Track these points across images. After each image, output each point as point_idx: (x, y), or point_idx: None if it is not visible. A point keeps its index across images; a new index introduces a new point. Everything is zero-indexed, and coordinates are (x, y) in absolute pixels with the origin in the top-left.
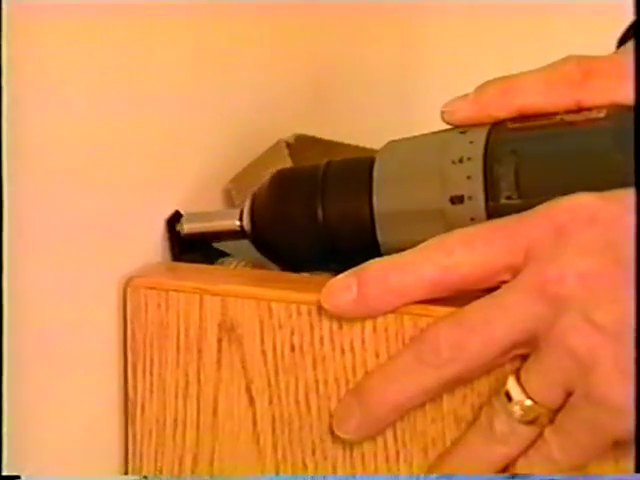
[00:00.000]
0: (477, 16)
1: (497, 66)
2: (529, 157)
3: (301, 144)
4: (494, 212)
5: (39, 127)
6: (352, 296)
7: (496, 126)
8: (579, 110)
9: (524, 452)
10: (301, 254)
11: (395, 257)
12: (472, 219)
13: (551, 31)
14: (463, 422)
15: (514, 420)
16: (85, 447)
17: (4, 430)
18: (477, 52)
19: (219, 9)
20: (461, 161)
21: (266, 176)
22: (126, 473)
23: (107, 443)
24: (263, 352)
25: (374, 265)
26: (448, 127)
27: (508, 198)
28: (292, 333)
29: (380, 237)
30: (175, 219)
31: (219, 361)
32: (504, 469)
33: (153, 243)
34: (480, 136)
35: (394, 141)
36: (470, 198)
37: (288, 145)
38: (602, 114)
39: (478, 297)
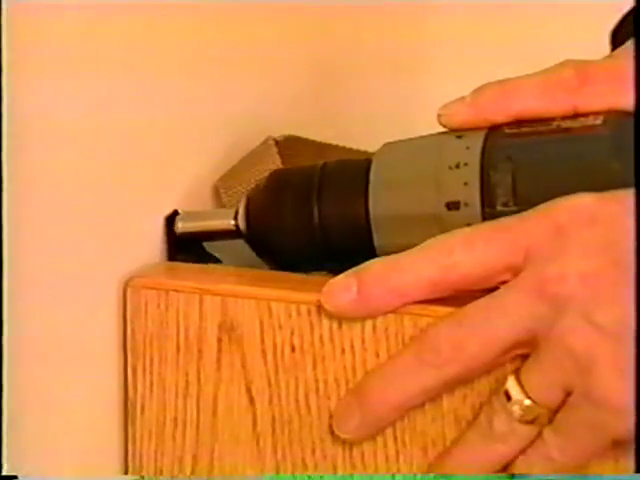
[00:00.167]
0: (477, 16)
1: (497, 66)
2: (526, 164)
3: (291, 144)
4: (490, 219)
5: (39, 127)
6: (352, 296)
7: (493, 131)
8: (576, 116)
9: (523, 452)
10: (296, 255)
11: (395, 257)
12: (468, 225)
13: (551, 31)
14: (463, 422)
15: (513, 420)
16: (85, 447)
17: (3, 430)
18: (477, 53)
19: (217, 11)
20: (457, 167)
21: (255, 174)
22: (126, 473)
23: (107, 443)
24: (263, 352)
25: (374, 265)
26: (445, 129)
27: (504, 205)
28: (292, 333)
29: (376, 240)
30: (174, 218)
31: (219, 361)
32: (503, 469)
33: (153, 243)
34: (477, 142)
35: (391, 143)
36: (466, 204)
37: (277, 143)
38: (599, 121)
39: (478, 297)
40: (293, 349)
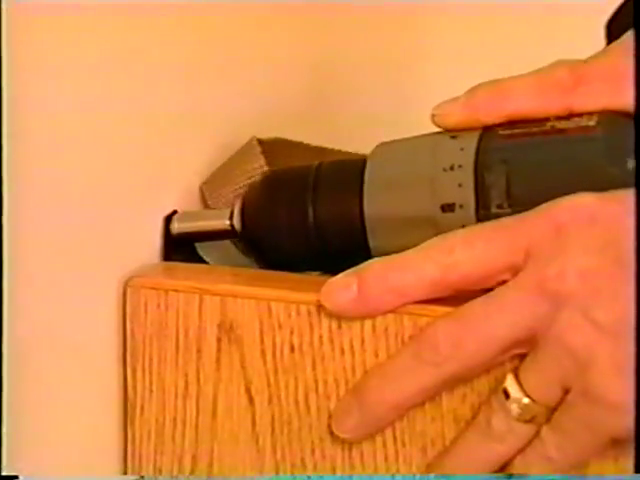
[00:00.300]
0: (475, 16)
1: (495, 65)
2: (520, 166)
3: (279, 147)
4: (485, 220)
5: (39, 128)
6: (352, 295)
7: (487, 132)
8: (570, 116)
9: (521, 451)
10: (291, 255)
11: (395, 256)
12: (463, 227)
13: (550, 31)
14: (462, 422)
15: (512, 418)
16: (84, 447)
17: (3, 430)
18: (475, 52)
19: (216, 11)
20: (452, 169)
21: (238, 175)
22: (125, 473)
23: (106, 443)
24: (262, 352)
25: (374, 264)
26: (439, 129)
27: (499, 207)
28: (291, 333)
29: (371, 241)
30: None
31: (218, 361)
32: (501, 468)
33: (153, 243)
34: (471, 143)
35: (386, 143)
36: (461, 206)
37: (261, 142)
38: (592, 122)
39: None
40: (292, 349)
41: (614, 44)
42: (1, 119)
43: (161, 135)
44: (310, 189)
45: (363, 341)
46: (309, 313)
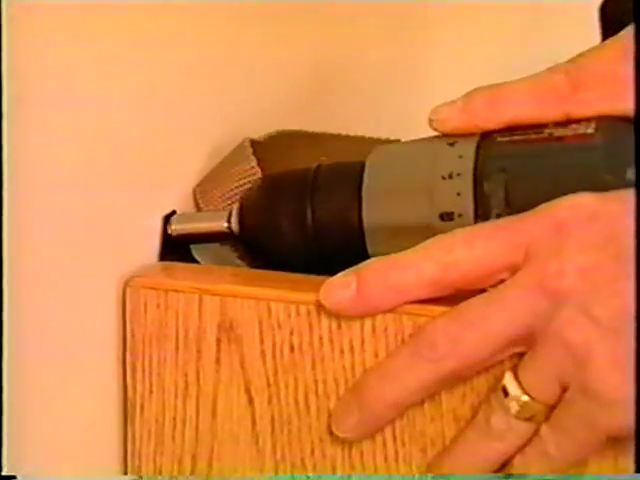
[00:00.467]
0: (477, 13)
1: (495, 64)
2: (519, 175)
3: (274, 142)
4: None
5: (39, 128)
6: (351, 293)
7: (485, 139)
8: (568, 122)
9: (521, 450)
10: (289, 258)
11: (395, 255)
12: None
13: (549, 31)
14: (462, 421)
15: (511, 416)
16: (84, 447)
17: (4, 430)
18: (476, 51)
19: (216, 9)
20: (451, 177)
21: (229, 176)
22: (125, 473)
23: (106, 443)
24: (262, 352)
25: (373, 263)
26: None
27: (498, 216)
28: (291, 333)
29: (370, 249)
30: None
31: (218, 361)
32: (501, 467)
33: (152, 243)
34: (469, 150)
35: (383, 149)
36: (460, 215)
37: (253, 143)
38: (591, 129)
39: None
40: (292, 349)
41: (610, 41)
42: (1, 119)
43: (160, 135)
44: (308, 193)
45: (363, 341)
46: (309, 313)
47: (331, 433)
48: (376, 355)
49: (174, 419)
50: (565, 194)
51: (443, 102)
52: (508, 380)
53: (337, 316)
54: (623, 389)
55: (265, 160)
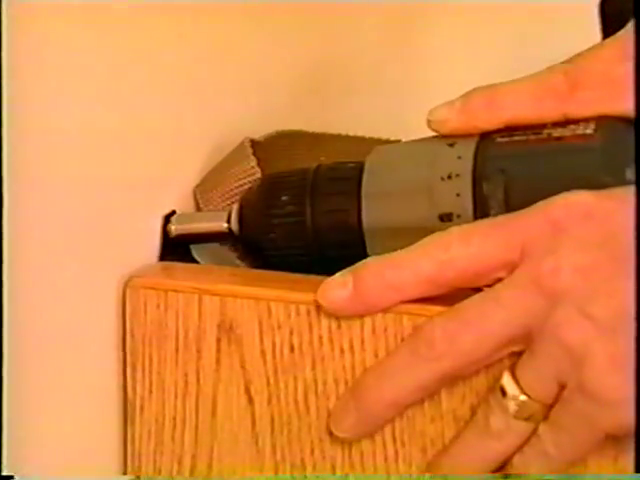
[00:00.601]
0: (476, 13)
1: (494, 65)
2: (518, 176)
3: (274, 142)
4: None
5: (39, 128)
6: (348, 292)
7: (484, 140)
8: (567, 122)
9: (519, 450)
10: (288, 258)
11: (392, 254)
12: None
13: (547, 30)
14: (462, 422)
15: (509, 416)
16: (84, 447)
17: (3, 430)
18: (476, 49)
19: (216, 9)
20: (450, 177)
21: (229, 176)
22: (125, 473)
23: (106, 443)
24: (262, 352)
25: (370, 262)
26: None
27: (497, 216)
28: (291, 333)
29: (369, 250)
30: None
31: (218, 361)
32: (500, 467)
33: (152, 243)
34: (468, 151)
35: (382, 149)
36: (459, 216)
37: (253, 144)
38: (590, 130)
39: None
40: (292, 349)
41: (609, 41)
42: (1, 119)
43: (160, 135)
44: (308, 194)
45: (363, 341)
46: (308, 313)
47: (331, 433)
48: (376, 355)
49: (174, 419)
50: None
51: (441, 103)
52: (506, 380)
53: (336, 316)
54: (621, 388)
55: (265, 160)
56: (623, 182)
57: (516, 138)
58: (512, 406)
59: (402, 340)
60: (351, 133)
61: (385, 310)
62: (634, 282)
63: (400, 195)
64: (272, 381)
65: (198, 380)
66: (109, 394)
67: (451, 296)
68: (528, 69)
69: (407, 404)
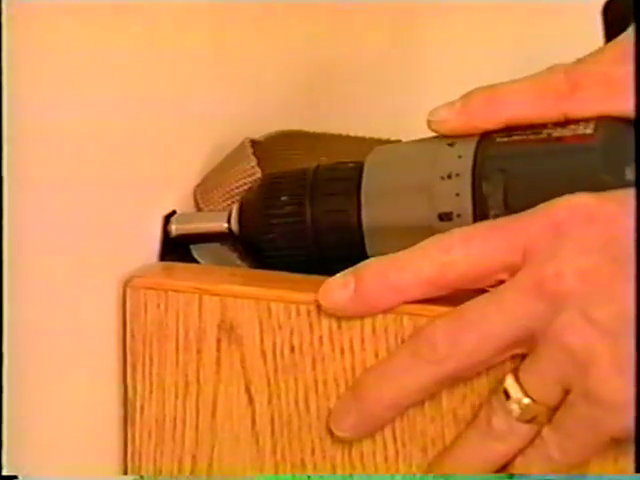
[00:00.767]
0: (475, 15)
1: (493, 65)
2: (518, 176)
3: (274, 142)
4: None
5: (38, 128)
6: (349, 293)
7: (484, 139)
8: (567, 122)
9: (522, 451)
10: (288, 258)
11: (393, 255)
12: None
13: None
14: (462, 422)
15: (512, 418)
16: (84, 447)
17: (3, 430)
18: (474, 51)
19: (215, 9)
20: (450, 177)
21: (229, 177)
22: (125, 473)
23: (106, 443)
24: (262, 352)
25: (371, 263)
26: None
27: (496, 216)
28: (291, 333)
29: (369, 250)
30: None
31: (218, 361)
32: (502, 468)
33: (153, 243)
34: (468, 150)
35: (382, 149)
36: (459, 216)
37: (254, 144)
38: (589, 130)
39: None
40: (292, 349)
41: (610, 45)
42: (1, 119)
43: (161, 136)
44: (308, 194)
45: (363, 341)
46: (309, 313)
47: (331, 433)
48: (376, 355)
49: (174, 419)
50: (563, 195)
51: (441, 103)
52: (509, 383)
53: (336, 316)
54: (626, 392)
55: (265, 160)
56: (623, 182)
57: (516, 138)
58: (515, 409)
59: (402, 340)
60: (351, 133)
61: (386, 311)
62: (635, 285)
63: (400, 194)
64: (272, 381)
65: (198, 380)
66: (109, 394)
67: (452, 296)
68: (528, 69)
69: (407, 405)
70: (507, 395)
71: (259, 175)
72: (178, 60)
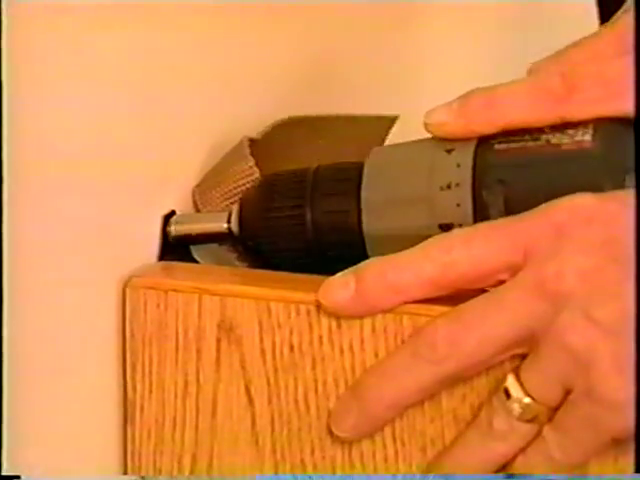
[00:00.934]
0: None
1: (494, 63)
2: (517, 186)
3: (277, 134)
4: None
5: (39, 127)
6: (350, 293)
7: (481, 145)
8: (565, 126)
9: (523, 451)
10: (288, 259)
11: (394, 255)
12: None
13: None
14: (462, 422)
15: (513, 418)
16: (84, 447)
17: (3, 430)
18: (474, 49)
19: (214, 9)
20: (449, 187)
21: (227, 176)
22: (125, 473)
23: (106, 443)
24: (262, 352)
25: (372, 263)
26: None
27: None
28: (291, 333)
29: (370, 254)
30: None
31: (218, 361)
32: (503, 468)
33: (152, 243)
34: (466, 158)
35: (381, 151)
36: (460, 226)
37: (252, 142)
38: (588, 135)
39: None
40: (292, 349)
41: (606, 30)
42: (1, 119)
43: (160, 135)
44: (308, 196)
45: (363, 341)
46: (308, 313)
47: (331, 433)
48: (376, 355)
49: (174, 419)
50: None
51: (438, 105)
52: (510, 382)
53: (337, 316)
54: (628, 392)
55: (263, 158)
56: (623, 188)
57: (514, 145)
58: (516, 408)
59: (402, 340)
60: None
61: (386, 311)
62: (635, 284)
63: (400, 204)
64: (272, 381)
65: (198, 380)
66: (109, 394)
67: (452, 296)
68: (525, 69)
69: (408, 405)
70: (508, 394)
71: (257, 175)
72: (177, 60)
